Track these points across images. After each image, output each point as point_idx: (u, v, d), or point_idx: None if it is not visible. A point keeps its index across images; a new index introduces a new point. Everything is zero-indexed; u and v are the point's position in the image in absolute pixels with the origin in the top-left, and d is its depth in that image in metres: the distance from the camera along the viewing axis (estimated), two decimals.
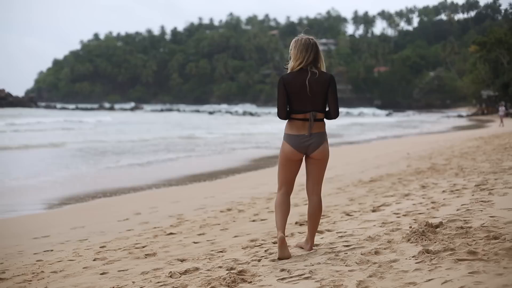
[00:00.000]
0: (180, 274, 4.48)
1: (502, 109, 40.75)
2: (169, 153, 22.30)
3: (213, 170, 15.94)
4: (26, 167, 17.47)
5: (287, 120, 4.70)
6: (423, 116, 79.34)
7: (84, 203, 10.79)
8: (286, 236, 5.87)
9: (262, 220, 7.36)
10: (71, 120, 53.25)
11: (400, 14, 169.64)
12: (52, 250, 6.50)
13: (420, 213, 6.05)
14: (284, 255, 4.59)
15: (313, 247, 4.85)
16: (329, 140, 4.88)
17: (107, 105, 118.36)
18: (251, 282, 4.02)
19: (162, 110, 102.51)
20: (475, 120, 58.71)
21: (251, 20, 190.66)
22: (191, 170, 16.10)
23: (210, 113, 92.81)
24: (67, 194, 11.83)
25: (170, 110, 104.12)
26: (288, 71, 4.66)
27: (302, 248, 4.90)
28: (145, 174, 15.57)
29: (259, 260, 4.64)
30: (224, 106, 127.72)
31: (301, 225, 6.50)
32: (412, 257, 4.09)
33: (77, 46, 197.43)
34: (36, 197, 11.63)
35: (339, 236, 5.27)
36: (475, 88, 77.52)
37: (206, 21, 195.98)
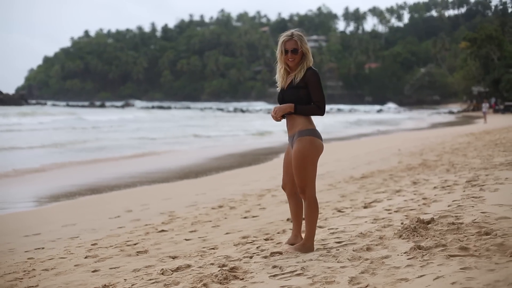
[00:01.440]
0: (172, 271, 4.47)
1: (485, 105, 40.63)
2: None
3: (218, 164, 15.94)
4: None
5: (302, 116, 4.53)
6: (414, 113, 79.35)
7: (74, 200, 10.73)
8: (278, 233, 5.88)
9: (253, 217, 7.35)
10: (84, 119, 50.83)
11: (390, 10, 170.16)
12: (43, 248, 6.47)
13: (411, 209, 6.07)
14: None
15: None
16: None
17: (97, 102, 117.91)
18: (243, 279, 4.02)
19: (153, 107, 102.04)
20: (465, 117, 58.87)
21: (242, 16, 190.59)
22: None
23: (201, 109, 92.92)
24: (58, 190, 11.77)
25: (161, 107, 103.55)
26: (310, 65, 4.55)
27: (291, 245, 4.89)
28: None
29: (251, 257, 4.64)
30: (215, 103, 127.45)
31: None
32: (404, 253, 4.10)
33: (68, 43, 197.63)
34: (41, 193, 11.58)
35: (330, 233, 5.27)
36: (465, 84, 77.77)
37: (196, 18, 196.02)
